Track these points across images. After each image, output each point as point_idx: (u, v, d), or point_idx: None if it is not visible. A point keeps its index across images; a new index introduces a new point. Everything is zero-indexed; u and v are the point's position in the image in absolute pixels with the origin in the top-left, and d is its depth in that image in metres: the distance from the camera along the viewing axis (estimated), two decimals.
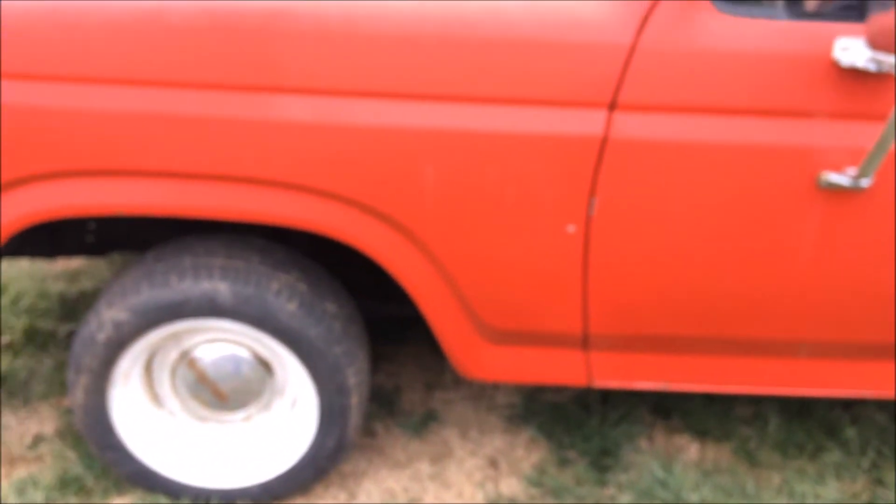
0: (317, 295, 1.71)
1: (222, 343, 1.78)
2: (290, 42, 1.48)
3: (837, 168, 1.52)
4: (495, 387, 2.35)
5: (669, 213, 1.56)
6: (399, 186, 1.53)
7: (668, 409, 2.27)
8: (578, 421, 2.20)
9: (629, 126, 1.50)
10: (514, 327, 1.71)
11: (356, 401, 1.78)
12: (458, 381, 2.36)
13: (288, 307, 1.66)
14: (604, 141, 1.51)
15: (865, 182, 1.50)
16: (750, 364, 1.81)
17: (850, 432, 2.21)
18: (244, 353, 1.79)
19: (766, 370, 1.82)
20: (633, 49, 1.47)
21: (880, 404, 2.32)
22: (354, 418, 1.80)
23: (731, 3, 1.49)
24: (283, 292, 1.66)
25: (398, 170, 1.52)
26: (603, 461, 2.08)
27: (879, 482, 2.08)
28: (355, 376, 1.75)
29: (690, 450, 2.16)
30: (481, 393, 2.32)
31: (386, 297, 1.91)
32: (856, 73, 1.48)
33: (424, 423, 2.20)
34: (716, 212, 1.57)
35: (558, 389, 2.32)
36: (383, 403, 2.25)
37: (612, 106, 1.50)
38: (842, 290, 1.65)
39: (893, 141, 1.41)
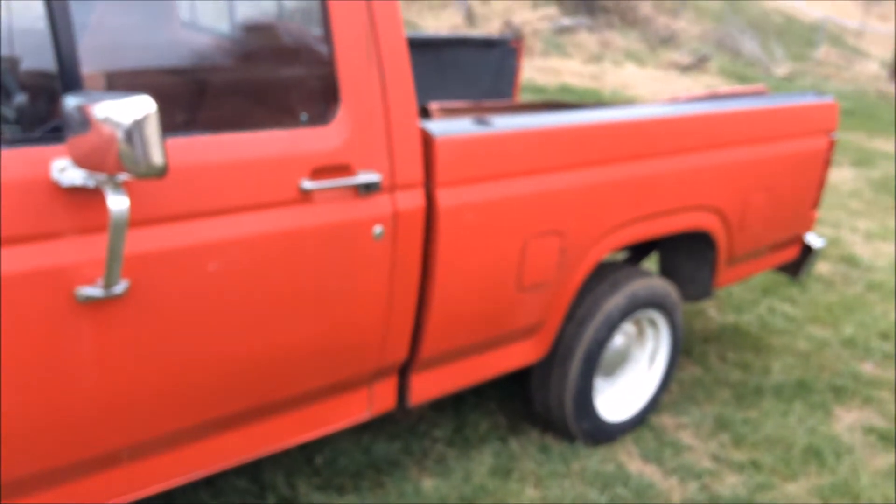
0: None
1: None
2: None
3: (91, 281, 1.56)
4: None
5: None
6: None
7: None
8: None
9: None
10: None
11: None
12: None
13: None
14: None
15: (119, 289, 1.57)
16: (97, 480, 1.76)
17: None
18: None
19: (95, 484, 1.79)
20: None
21: (236, 470, 2.49)
22: None
23: None
24: None
25: None
26: None
27: None
28: None
29: None
30: None
31: None
32: (83, 190, 1.53)
33: None
34: None
35: None
36: None
37: None
38: (136, 390, 1.70)
39: (121, 247, 1.50)
